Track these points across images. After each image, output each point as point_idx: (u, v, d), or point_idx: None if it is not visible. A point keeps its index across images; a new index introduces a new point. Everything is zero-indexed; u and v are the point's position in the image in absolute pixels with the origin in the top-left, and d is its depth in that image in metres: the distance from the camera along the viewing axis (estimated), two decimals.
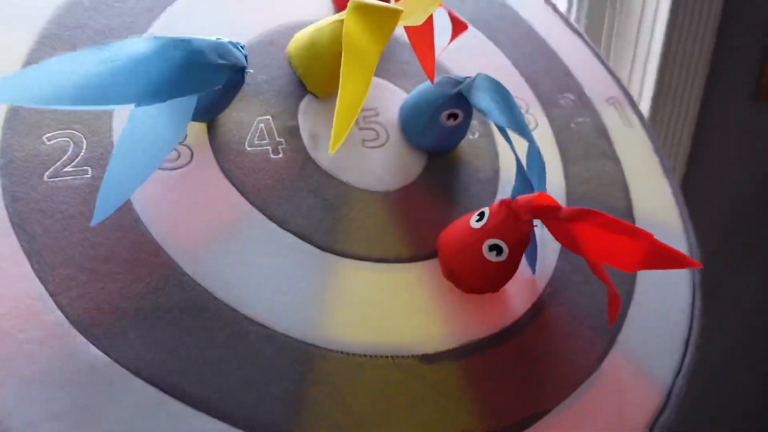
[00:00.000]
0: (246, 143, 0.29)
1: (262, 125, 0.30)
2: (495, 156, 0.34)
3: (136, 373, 0.22)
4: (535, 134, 0.36)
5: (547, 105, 0.38)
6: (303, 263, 0.26)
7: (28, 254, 0.23)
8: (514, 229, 0.26)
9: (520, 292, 0.29)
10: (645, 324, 0.31)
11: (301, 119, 0.31)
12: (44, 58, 0.28)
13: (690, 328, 0.32)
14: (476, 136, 0.34)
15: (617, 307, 0.28)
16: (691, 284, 0.34)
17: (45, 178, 0.25)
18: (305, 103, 0.31)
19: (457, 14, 0.31)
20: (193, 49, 0.23)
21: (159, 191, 0.26)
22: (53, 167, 0.25)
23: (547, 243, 0.32)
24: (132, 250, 0.24)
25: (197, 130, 0.28)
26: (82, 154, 0.26)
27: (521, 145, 0.30)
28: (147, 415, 0.21)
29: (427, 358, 0.26)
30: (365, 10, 0.26)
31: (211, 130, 0.29)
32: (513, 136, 0.30)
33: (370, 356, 0.25)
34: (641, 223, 0.35)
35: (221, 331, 0.24)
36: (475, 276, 0.27)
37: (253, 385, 0.23)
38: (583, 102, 0.39)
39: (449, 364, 0.26)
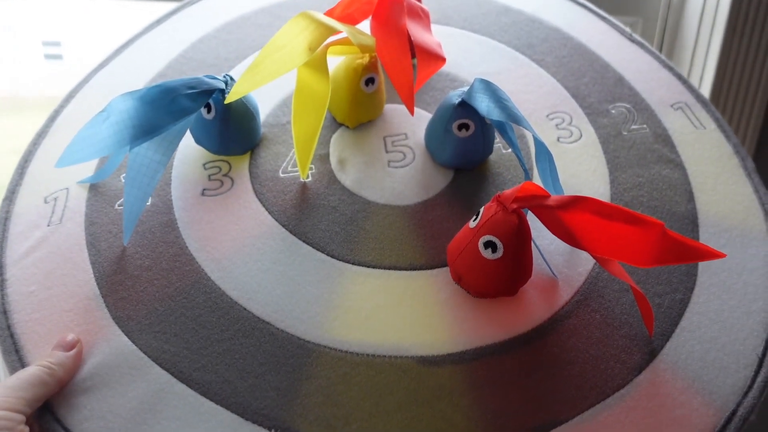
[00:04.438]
0: (280, 170, 0.33)
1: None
2: (521, 174, 0.33)
3: (155, 359, 0.25)
4: (578, 144, 0.35)
5: (594, 115, 0.37)
6: (314, 270, 0.28)
7: (93, 265, 0.29)
8: (504, 223, 0.25)
9: (543, 298, 0.28)
10: (704, 335, 0.27)
11: (332, 147, 0.34)
12: None
13: (763, 358, 0.27)
14: (509, 150, 0.34)
15: (649, 311, 0.26)
16: None
17: (116, 206, 0.31)
18: (338, 134, 0.35)
19: (436, 49, 0.31)
20: (164, 89, 0.28)
21: (200, 213, 0.31)
22: (121, 200, 0.31)
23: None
24: (171, 261, 0.29)
25: (240, 163, 0.33)
26: None
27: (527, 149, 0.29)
28: (157, 394, 0.24)
29: (425, 361, 0.26)
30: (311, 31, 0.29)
31: (253, 161, 0.33)
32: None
33: (368, 355, 0.26)
34: (708, 227, 0.32)
35: (231, 327, 0.26)
36: (477, 276, 0.27)
37: (250, 375, 0.25)
38: (640, 109, 0.37)
39: (450, 367, 0.26)
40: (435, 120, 0.33)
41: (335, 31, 0.30)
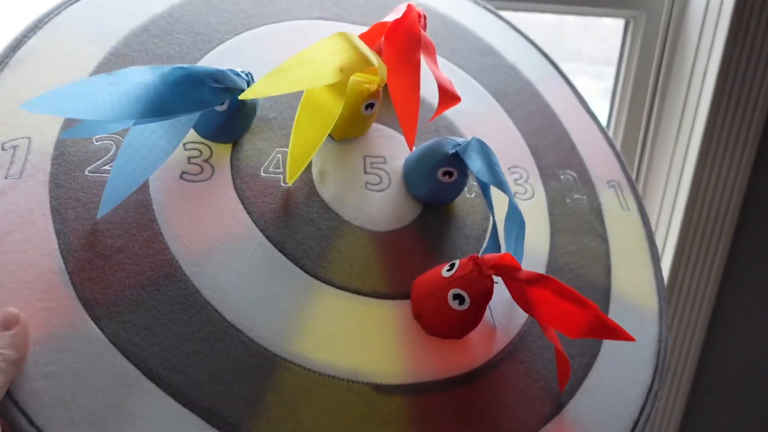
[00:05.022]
0: (262, 169, 0.33)
1: (279, 156, 0.34)
2: (486, 217, 0.37)
3: (123, 352, 0.25)
4: (530, 203, 0.39)
5: (547, 177, 0.41)
6: (287, 282, 0.30)
7: (58, 234, 0.27)
8: (477, 283, 0.28)
9: (482, 343, 0.32)
10: (599, 396, 0.33)
11: (315, 156, 0.35)
12: (110, 69, 0.33)
13: (642, 410, 0.33)
14: (473, 195, 0.37)
15: (567, 372, 0.30)
16: (653, 368, 0.35)
17: (86, 172, 0.29)
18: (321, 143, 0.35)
19: (452, 87, 0.34)
20: (189, 74, 0.27)
21: (178, 198, 0.30)
22: (95, 164, 0.30)
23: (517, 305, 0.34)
24: (143, 246, 0.28)
25: (222, 151, 0.33)
26: None
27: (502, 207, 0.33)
28: (124, 389, 0.25)
29: (379, 388, 0.28)
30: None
31: (235, 152, 0.33)
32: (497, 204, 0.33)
33: (328, 376, 0.28)
34: (617, 301, 0.37)
35: (202, 329, 0.27)
36: (439, 321, 0.30)
37: (218, 380, 0.26)
38: (584, 180, 0.42)
39: (399, 397, 0.29)
40: (420, 158, 0.34)
41: (370, 64, 0.30)
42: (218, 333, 0.27)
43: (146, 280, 0.27)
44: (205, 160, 0.32)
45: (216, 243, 0.30)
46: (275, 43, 0.38)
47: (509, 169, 0.40)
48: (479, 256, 0.29)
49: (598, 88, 0.78)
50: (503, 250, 0.33)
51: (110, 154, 0.30)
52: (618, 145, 0.71)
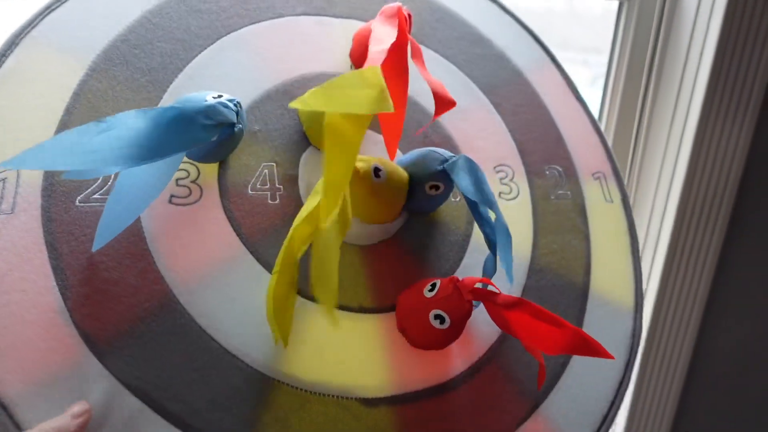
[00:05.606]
0: (249, 187, 0.33)
1: (266, 171, 0.34)
2: (470, 221, 0.38)
3: (127, 386, 0.27)
4: (515, 203, 0.40)
5: (532, 174, 0.41)
6: None
7: (55, 270, 0.28)
8: (457, 305, 0.30)
9: (463, 351, 0.34)
10: (572, 394, 0.35)
11: (302, 169, 0.35)
12: (92, 87, 0.32)
13: (612, 404, 0.36)
14: (457, 200, 0.38)
15: (544, 376, 0.33)
16: (625, 362, 0.38)
17: (77, 202, 0.30)
18: (307, 154, 0.35)
19: (446, 92, 0.34)
20: (180, 114, 0.27)
21: (168, 225, 0.31)
22: (84, 193, 0.30)
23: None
24: (138, 277, 0.29)
25: (210, 170, 0.33)
26: (109, 183, 0.31)
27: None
28: (131, 422, 0.27)
29: (366, 402, 0.31)
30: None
31: (222, 169, 0.33)
32: None
33: (318, 394, 0.30)
34: (594, 299, 0.39)
35: (199, 357, 0.29)
36: (421, 337, 0.32)
37: (217, 406, 0.28)
38: (569, 175, 0.43)
39: (385, 408, 0.31)
40: (407, 171, 0.35)
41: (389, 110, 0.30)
42: (215, 360, 0.29)
43: (143, 312, 0.29)
44: (193, 181, 0.32)
45: (208, 269, 0.31)
46: (258, 45, 0.37)
47: (495, 168, 0.40)
48: (459, 279, 0.31)
49: (587, 75, 0.76)
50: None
51: (99, 181, 0.31)
52: (611, 132, 0.70)
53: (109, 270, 0.29)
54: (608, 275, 0.40)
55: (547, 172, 0.42)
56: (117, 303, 0.28)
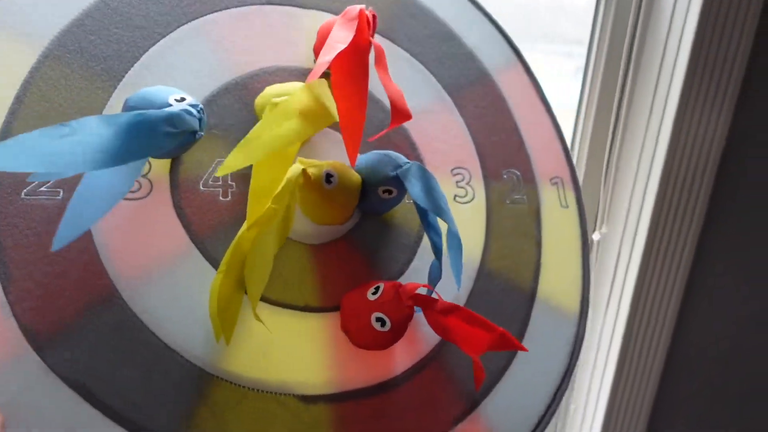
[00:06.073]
0: (201, 183, 0.34)
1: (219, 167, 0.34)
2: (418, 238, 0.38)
3: (65, 380, 0.28)
4: (469, 206, 0.40)
5: (490, 178, 0.42)
6: None
7: (1, 271, 0.28)
8: (397, 310, 0.31)
9: (406, 351, 0.35)
10: (510, 397, 0.37)
11: (255, 166, 0.35)
12: (44, 75, 0.32)
13: (548, 408, 0.37)
14: (411, 201, 0.39)
15: (481, 376, 0.34)
16: (564, 368, 0.39)
17: (22, 195, 0.30)
18: None
19: (404, 103, 0.34)
20: (144, 121, 0.27)
21: (115, 219, 0.31)
22: (31, 186, 0.30)
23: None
24: (82, 271, 0.30)
25: (161, 165, 0.33)
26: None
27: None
28: (71, 420, 0.27)
29: (305, 399, 0.32)
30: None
31: (174, 164, 0.33)
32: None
33: (257, 390, 0.31)
34: (539, 304, 0.40)
35: (140, 353, 0.29)
36: (363, 338, 0.32)
37: (157, 402, 0.29)
38: (527, 179, 0.43)
39: (324, 405, 0.32)
40: (362, 173, 0.35)
41: (332, 120, 0.30)
42: (154, 355, 0.30)
43: (85, 306, 0.29)
44: (144, 176, 0.33)
45: (154, 265, 0.31)
46: (218, 34, 0.37)
47: (452, 170, 0.41)
48: (401, 284, 0.32)
49: (570, 67, 0.76)
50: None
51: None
52: (591, 122, 0.70)
53: (53, 264, 0.29)
54: (556, 281, 0.41)
55: (505, 176, 0.43)
56: (59, 297, 0.29)
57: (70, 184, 0.31)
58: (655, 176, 0.66)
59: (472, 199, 0.41)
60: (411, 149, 0.40)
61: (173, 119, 0.28)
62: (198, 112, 0.30)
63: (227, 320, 0.30)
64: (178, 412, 0.29)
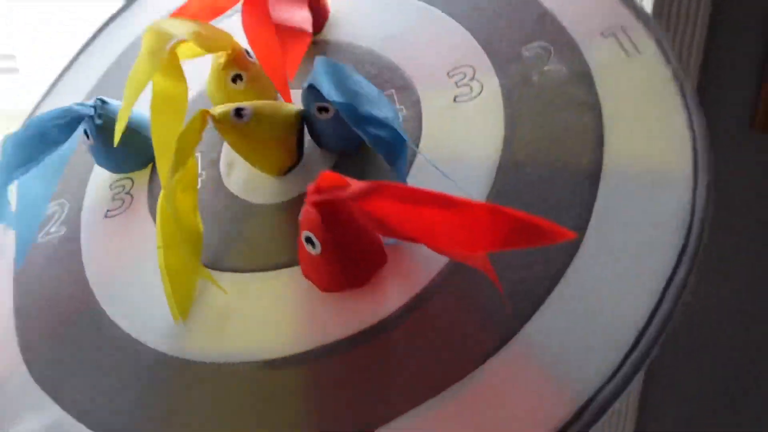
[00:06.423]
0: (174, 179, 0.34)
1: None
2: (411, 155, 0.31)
3: (42, 387, 0.28)
4: (475, 102, 0.31)
5: (503, 62, 0.32)
6: None
7: (16, 301, 0.32)
8: (309, 218, 0.24)
9: (397, 285, 0.26)
10: (574, 310, 0.23)
11: (224, 149, 0.34)
12: None
13: (654, 313, 0.22)
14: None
15: (499, 287, 0.23)
16: (677, 248, 0.24)
17: (39, 238, 0.34)
18: None
19: (298, 24, 0.30)
20: (31, 126, 0.29)
21: (100, 238, 0.33)
22: (45, 229, 0.34)
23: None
24: (71, 287, 0.31)
25: (142, 177, 0.35)
26: (63, 215, 0.35)
27: None
28: (44, 423, 0.27)
29: (269, 364, 0.25)
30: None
31: (153, 174, 0.34)
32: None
33: (221, 363, 0.26)
34: (612, 177, 0.27)
35: (105, 346, 0.28)
36: (311, 272, 0.26)
37: (122, 393, 0.27)
38: (559, 46, 0.32)
39: (293, 369, 0.25)
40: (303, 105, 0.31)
41: (171, 36, 0.29)
42: (118, 347, 0.28)
43: (67, 318, 0.30)
44: (127, 192, 0.34)
45: (128, 268, 0.31)
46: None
47: (448, 73, 0.33)
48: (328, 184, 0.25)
49: None
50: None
51: (55, 217, 0.35)
52: None
53: (50, 288, 0.32)
54: (639, 140, 0.27)
55: (526, 53, 0.32)
56: (49, 313, 0.31)
57: (71, 222, 0.34)
58: None
59: (480, 92, 0.32)
60: (394, 74, 0.34)
61: (58, 113, 0.30)
62: (95, 100, 0.31)
63: (182, 296, 0.27)
64: (140, 402, 0.26)
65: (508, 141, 0.29)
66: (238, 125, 0.29)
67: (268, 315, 0.27)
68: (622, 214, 0.25)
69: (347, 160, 0.31)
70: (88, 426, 0.26)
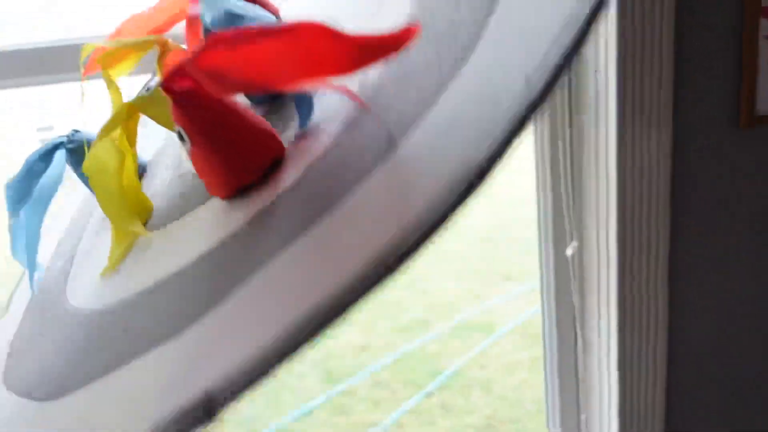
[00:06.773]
0: None
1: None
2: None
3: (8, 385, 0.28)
4: None
5: None
6: None
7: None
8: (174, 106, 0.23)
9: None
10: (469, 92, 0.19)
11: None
12: None
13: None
14: None
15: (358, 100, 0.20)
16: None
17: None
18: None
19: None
20: (23, 164, 0.33)
21: (85, 258, 0.34)
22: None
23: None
24: (54, 314, 0.32)
25: None
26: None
27: None
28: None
29: None
30: None
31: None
32: None
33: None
34: None
35: (56, 324, 0.29)
36: (203, 176, 0.24)
37: (71, 365, 0.26)
38: None
39: None
40: None
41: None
42: (67, 322, 0.28)
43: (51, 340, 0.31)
44: None
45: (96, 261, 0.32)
46: None
47: None
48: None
49: None
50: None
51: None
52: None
53: (41, 319, 0.33)
54: None
55: None
56: (42, 343, 0.31)
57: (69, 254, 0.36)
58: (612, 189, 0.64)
59: None
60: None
61: (43, 148, 0.34)
62: (71, 134, 0.35)
63: (118, 252, 0.28)
64: (85, 370, 0.25)
65: None
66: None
67: None
68: None
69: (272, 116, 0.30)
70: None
